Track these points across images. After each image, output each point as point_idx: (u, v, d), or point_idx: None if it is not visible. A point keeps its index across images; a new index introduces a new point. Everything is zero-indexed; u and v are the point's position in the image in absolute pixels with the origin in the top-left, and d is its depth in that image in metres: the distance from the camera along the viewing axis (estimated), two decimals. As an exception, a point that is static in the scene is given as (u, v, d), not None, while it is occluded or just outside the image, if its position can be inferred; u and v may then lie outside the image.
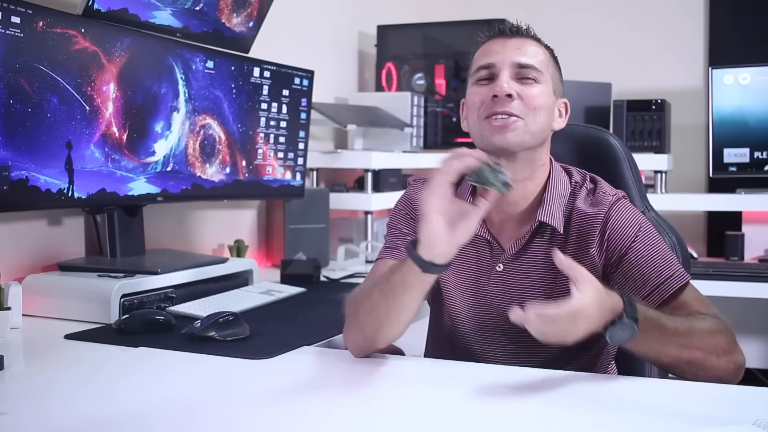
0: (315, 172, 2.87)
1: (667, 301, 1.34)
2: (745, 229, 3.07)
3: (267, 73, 2.31)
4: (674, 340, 1.24)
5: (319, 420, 1.10)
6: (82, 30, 1.73)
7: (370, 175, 2.81)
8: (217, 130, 2.16)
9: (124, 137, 1.87)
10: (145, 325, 1.60)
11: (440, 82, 3.30)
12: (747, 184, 3.06)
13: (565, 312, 1.15)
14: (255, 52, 2.33)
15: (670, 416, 1.10)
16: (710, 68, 3.08)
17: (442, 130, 3.25)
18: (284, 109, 2.39)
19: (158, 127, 1.97)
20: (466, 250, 1.45)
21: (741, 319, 3.16)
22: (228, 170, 2.21)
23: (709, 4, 3.46)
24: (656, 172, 3.04)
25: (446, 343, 1.50)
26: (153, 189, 1.97)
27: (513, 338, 1.42)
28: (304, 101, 2.47)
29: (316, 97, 2.59)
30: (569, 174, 1.46)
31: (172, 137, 2.01)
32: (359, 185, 2.96)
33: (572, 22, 3.60)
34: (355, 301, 1.37)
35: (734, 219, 3.11)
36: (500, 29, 1.44)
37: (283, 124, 2.40)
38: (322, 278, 2.35)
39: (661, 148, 3.03)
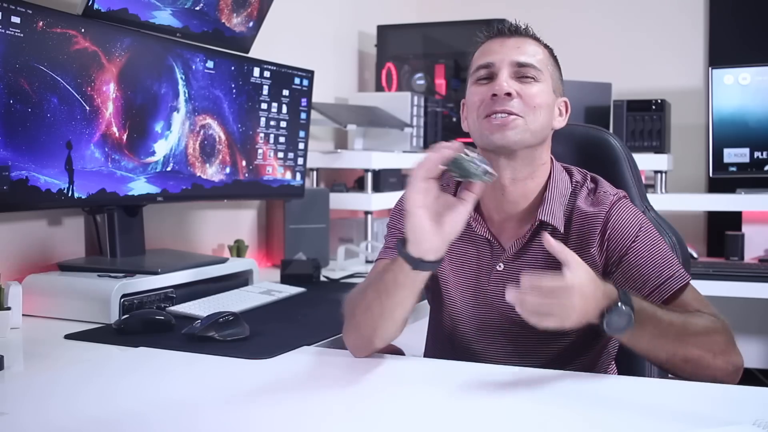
0: (315, 172, 2.88)
1: (667, 302, 1.34)
2: (745, 229, 3.07)
3: (267, 73, 2.31)
4: (669, 333, 1.24)
5: (319, 420, 1.10)
6: (82, 30, 1.73)
7: (370, 175, 2.81)
8: (217, 130, 2.16)
9: (124, 137, 1.87)
10: (145, 325, 1.59)
11: (440, 82, 3.30)
12: (747, 184, 3.06)
13: (560, 285, 1.15)
14: (255, 52, 2.33)
15: (670, 416, 1.09)
16: (710, 68, 3.08)
17: (442, 130, 3.24)
18: (284, 109, 2.39)
19: (158, 127, 1.97)
20: (466, 249, 1.45)
21: (741, 319, 3.16)
22: (228, 170, 2.21)
23: (709, 4, 3.46)
24: (656, 172, 3.04)
25: (446, 342, 1.50)
26: (153, 189, 1.97)
27: (513, 338, 1.42)
28: (304, 101, 2.47)
29: (316, 97, 2.59)
30: (570, 173, 1.47)
31: (172, 137, 2.01)
32: (359, 185, 2.96)
33: (572, 22, 3.61)
34: (352, 301, 1.37)
35: (734, 219, 3.11)
36: (499, 29, 1.44)
37: (283, 124, 2.40)
38: (322, 278, 2.34)
39: (661, 148, 3.03)
